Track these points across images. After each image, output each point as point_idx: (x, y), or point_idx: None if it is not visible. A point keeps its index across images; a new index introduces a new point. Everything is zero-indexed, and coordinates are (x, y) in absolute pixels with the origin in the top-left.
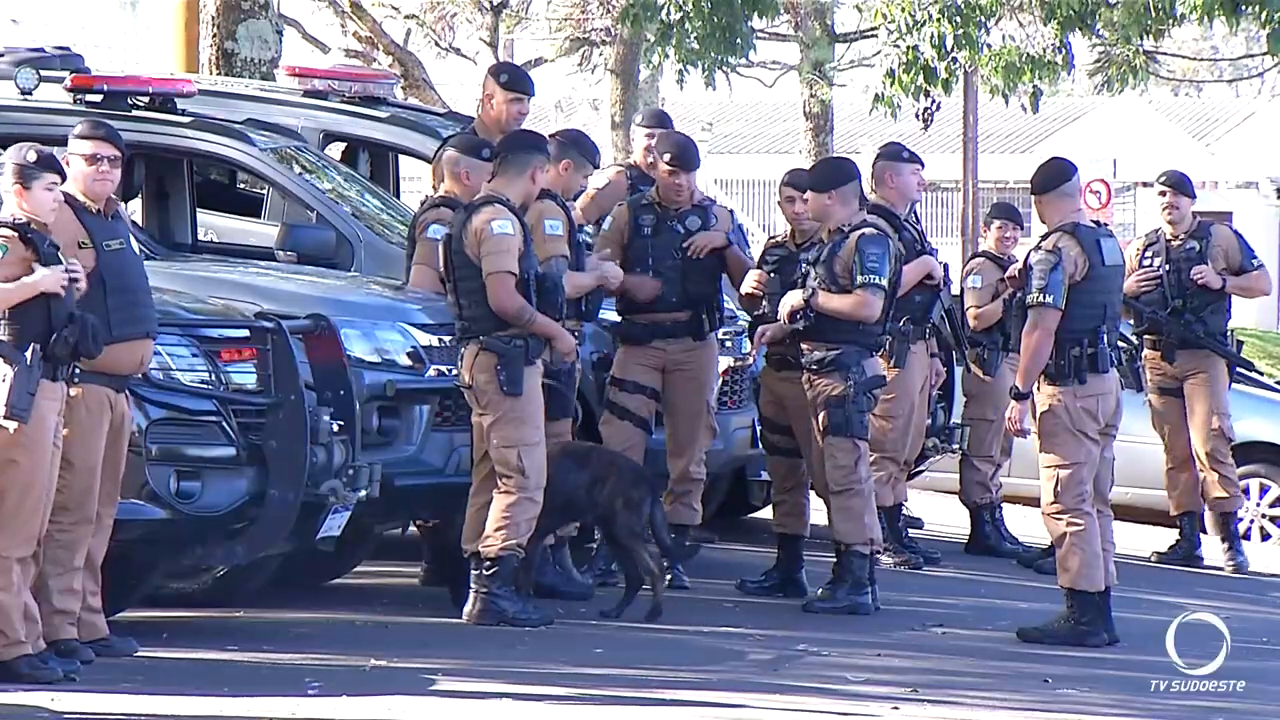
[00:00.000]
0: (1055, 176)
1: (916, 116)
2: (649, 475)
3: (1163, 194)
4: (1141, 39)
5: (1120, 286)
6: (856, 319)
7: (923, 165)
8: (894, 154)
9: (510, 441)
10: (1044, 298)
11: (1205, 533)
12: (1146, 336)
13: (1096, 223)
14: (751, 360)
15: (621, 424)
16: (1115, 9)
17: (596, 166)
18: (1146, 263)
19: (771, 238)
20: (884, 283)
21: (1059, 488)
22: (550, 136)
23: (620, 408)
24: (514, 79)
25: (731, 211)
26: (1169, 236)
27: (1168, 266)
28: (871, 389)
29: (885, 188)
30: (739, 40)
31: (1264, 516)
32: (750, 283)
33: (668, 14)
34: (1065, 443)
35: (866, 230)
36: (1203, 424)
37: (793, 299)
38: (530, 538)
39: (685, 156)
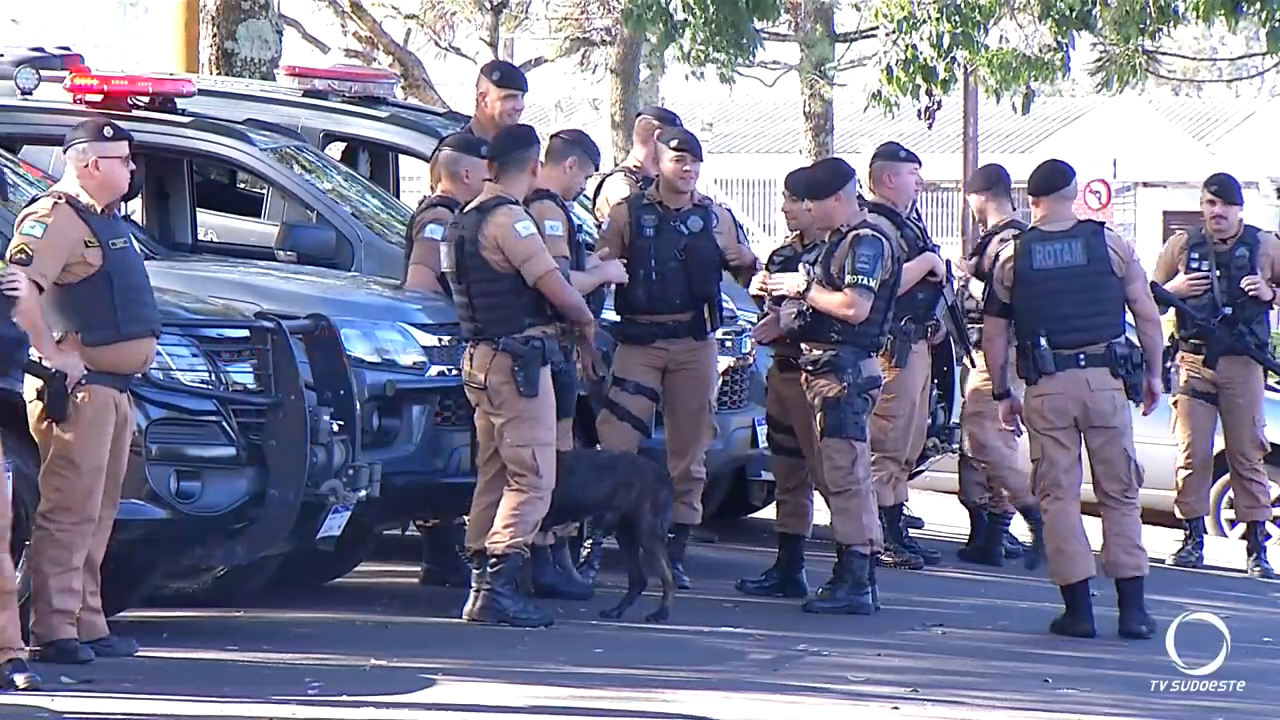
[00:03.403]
0: (1048, 181)
1: (919, 116)
2: (669, 477)
3: (1212, 202)
4: (1140, 39)
5: (1075, 288)
6: (843, 318)
7: (920, 164)
8: (891, 154)
9: (525, 441)
10: (982, 302)
11: (1205, 533)
12: (1191, 340)
13: (1087, 221)
14: (751, 360)
15: (620, 424)
16: (1111, 9)
17: (597, 168)
18: (1194, 265)
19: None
20: (873, 284)
21: (1032, 479)
22: (552, 137)
23: (620, 408)
24: (506, 76)
25: (729, 210)
26: (1216, 239)
27: (1218, 271)
28: (867, 390)
29: (884, 187)
30: (744, 40)
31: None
32: (755, 285)
33: (673, 15)
34: (1033, 437)
35: (862, 231)
36: (1241, 432)
37: (792, 280)
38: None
39: (693, 144)
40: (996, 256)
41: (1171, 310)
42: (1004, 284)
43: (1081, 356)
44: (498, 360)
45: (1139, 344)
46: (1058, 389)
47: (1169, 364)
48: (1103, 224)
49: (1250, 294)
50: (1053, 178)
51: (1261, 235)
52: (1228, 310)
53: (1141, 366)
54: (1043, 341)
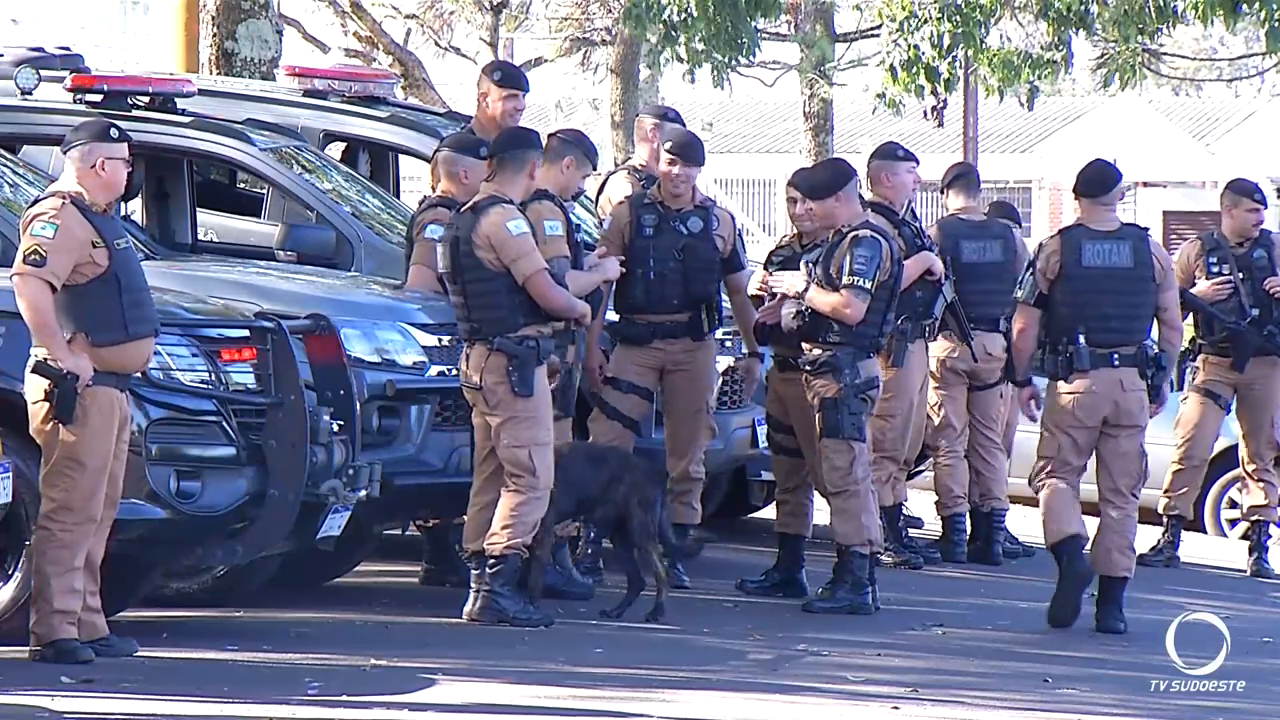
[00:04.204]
0: (1096, 184)
1: (925, 116)
2: (662, 476)
3: (1254, 210)
4: (1140, 39)
5: (1119, 290)
6: (839, 319)
7: (917, 163)
8: (889, 153)
9: (521, 441)
10: (1017, 292)
11: (1201, 533)
12: (1219, 344)
13: (1132, 225)
14: None
15: (610, 423)
16: (1110, 8)
17: (595, 168)
18: (1214, 269)
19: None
20: (869, 285)
21: (1036, 463)
22: (550, 136)
23: (610, 407)
24: (507, 75)
25: (732, 216)
26: (1232, 242)
27: (1241, 274)
28: (865, 391)
29: (882, 186)
30: (743, 40)
31: None
32: (755, 284)
33: (671, 15)
34: (1051, 431)
35: (861, 232)
36: (1258, 432)
37: (792, 279)
38: (540, 537)
39: (688, 150)
40: (1041, 246)
41: (1190, 315)
42: (1046, 276)
43: (1115, 356)
44: (492, 360)
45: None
46: (1088, 388)
47: (1186, 365)
48: (1146, 229)
49: (1275, 295)
50: (1102, 180)
51: (1275, 236)
52: (1255, 312)
53: (1164, 370)
54: (1081, 339)
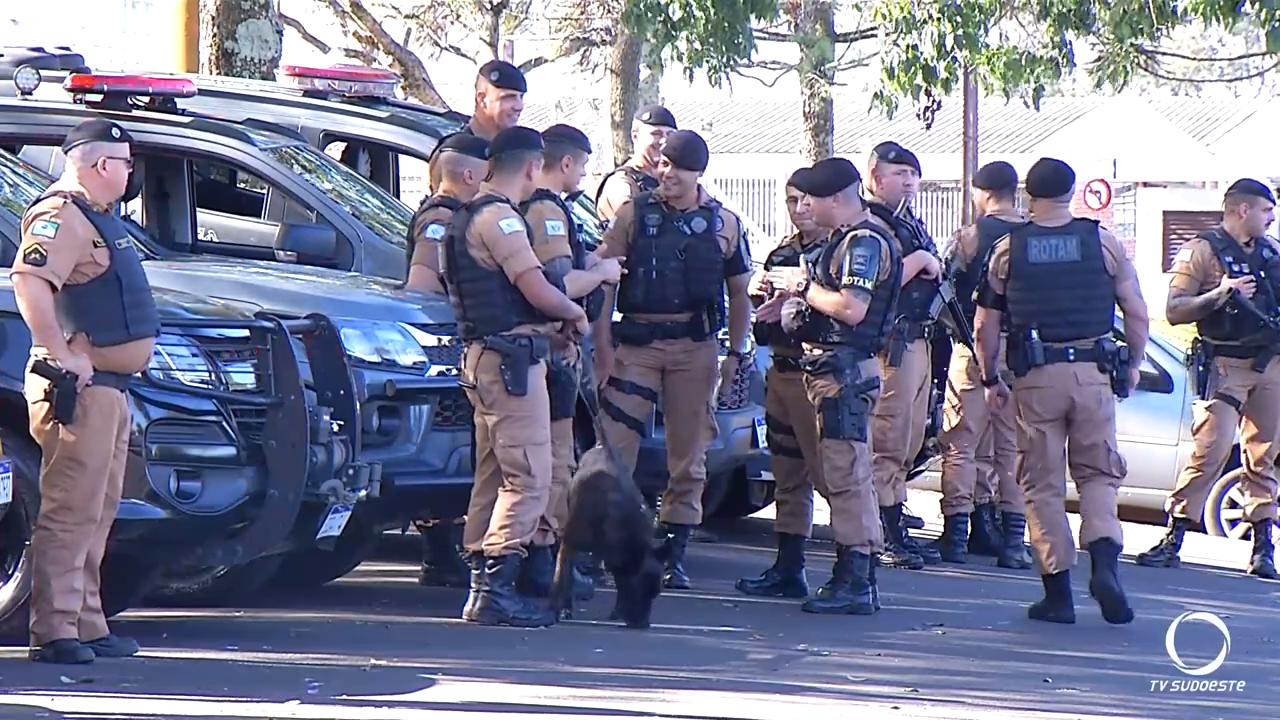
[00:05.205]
0: (1052, 184)
1: (918, 116)
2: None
3: (1268, 209)
4: (1136, 38)
5: (1070, 285)
6: (840, 319)
7: (915, 163)
8: (881, 155)
9: (517, 441)
10: (976, 293)
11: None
12: (1251, 344)
13: (1083, 219)
14: (752, 360)
15: (615, 425)
16: (1110, 8)
17: (590, 151)
18: (1235, 268)
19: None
20: (869, 285)
21: (1018, 469)
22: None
23: (614, 408)
24: (505, 76)
25: (737, 218)
26: (1243, 241)
27: (1262, 273)
28: (865, 391)
29: (878, 186)
30: (740, 40)
31: None
32: (754, 285)
33: (670, 14)
34: (1022, 429)
35: (859, 232)
36: (1270, 434)
37: (792, 274)
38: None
39: (682, 153)
40: (993, 249)
41: (1188, 316)
42: (999, 276)
43: (1071, 351)
44: (486, 359)
45: (1125, 340)
46: (1046, 382)
47: (1210, 370)
48: (1097, 223)
49: None
50: (1054, 179)
51: (1269, 238)
52: (1278, 308)
53: (1127, 363)
54: (1034, 334)
